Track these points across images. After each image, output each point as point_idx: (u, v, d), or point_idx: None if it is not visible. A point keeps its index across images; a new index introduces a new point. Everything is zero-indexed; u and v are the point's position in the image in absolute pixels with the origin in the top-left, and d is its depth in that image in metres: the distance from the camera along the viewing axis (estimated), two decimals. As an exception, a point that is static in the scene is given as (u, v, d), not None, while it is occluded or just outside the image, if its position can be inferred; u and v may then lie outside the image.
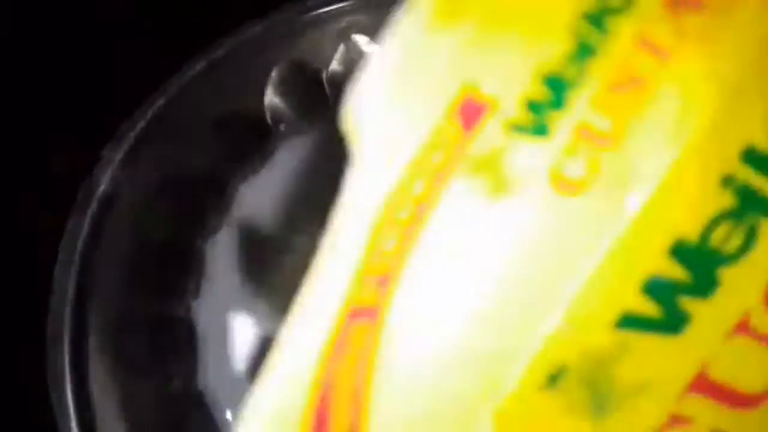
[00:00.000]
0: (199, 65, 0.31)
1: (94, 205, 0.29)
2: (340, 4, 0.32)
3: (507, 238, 0.16)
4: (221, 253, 0.33)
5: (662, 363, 0.15)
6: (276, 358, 0.18)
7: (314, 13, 0.32)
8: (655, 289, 0.15)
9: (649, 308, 0.15)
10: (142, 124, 0.30)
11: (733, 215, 0.16)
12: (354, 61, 0.35)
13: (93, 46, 0.43)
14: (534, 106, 0.17)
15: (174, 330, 0.32)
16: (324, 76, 0.35)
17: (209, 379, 0.32)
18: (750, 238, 0.16)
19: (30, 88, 0.42)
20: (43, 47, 0.43)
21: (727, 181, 0.16)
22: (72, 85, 0.42)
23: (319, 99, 0.35)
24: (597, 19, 0.17)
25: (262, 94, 0.34)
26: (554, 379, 0.15)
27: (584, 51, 0.17)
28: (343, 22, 0.33)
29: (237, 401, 0.32)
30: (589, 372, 0.15)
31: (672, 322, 0.15)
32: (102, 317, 0.29)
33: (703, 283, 0.15)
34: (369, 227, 0.17)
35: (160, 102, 0.31)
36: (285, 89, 0.34)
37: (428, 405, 0.16)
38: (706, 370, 0.15)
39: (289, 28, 0.32)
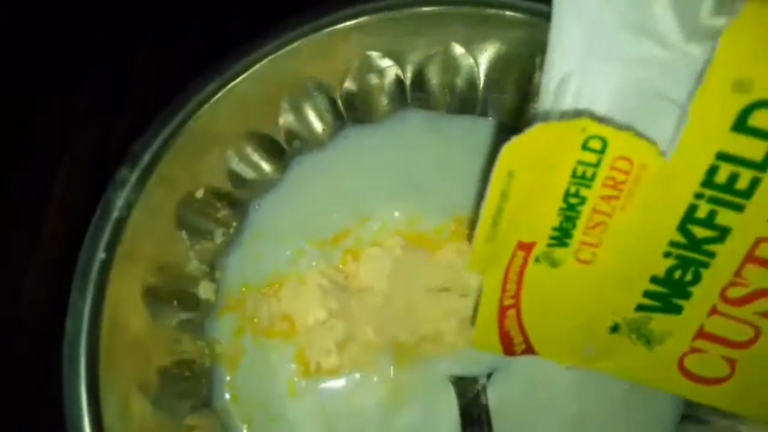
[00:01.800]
0: (212, 84, 0.31)
1: (109, 228, 0.28)
2: (353, 22, 0.31)
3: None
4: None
5: (674, 326, 0.27)
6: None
7: (325, 31, 0.31)
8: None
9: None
10: (156, 143, 0.30)
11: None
12: (368, 77, 0.35)
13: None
14: None
15: (189, 353, 0.32)
16: (338, 93, 0.34)
17: (224, 399, 0.32)
18: None
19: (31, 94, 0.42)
20: (49, 52, 0.43)
21: None
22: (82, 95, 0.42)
23: (334, 116, 0.35)
24: None
25: (276, 111, 0.34)
26: (614, 329, 0.28)
27: None
28: (355, 40, 0.32)
29: (251, 421, 0.32)
30: (631, 327, 0.28)
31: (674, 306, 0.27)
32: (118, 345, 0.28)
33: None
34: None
35: (174, 121, 0.30)
36: (298, 107, 0.34)
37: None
38: (704, 329, 0.27)
39: (300, 46, 0.31)
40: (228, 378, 0.32)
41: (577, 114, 0.24)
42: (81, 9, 0.43)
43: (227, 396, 0.32)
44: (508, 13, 0.31)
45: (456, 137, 0.35)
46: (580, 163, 0.24)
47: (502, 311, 0.29)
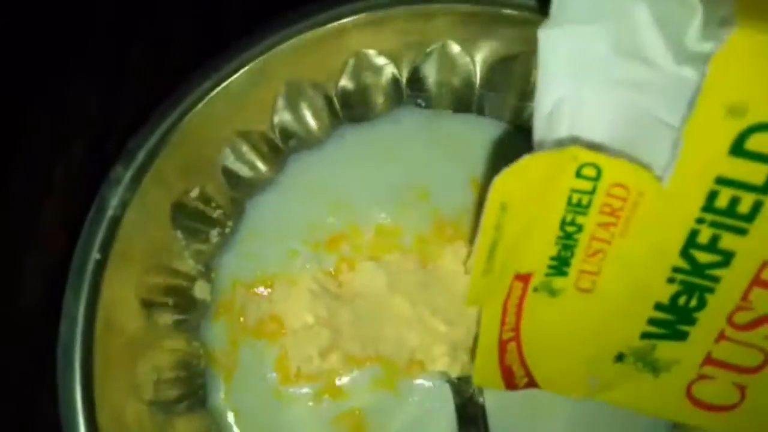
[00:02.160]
0: (207, 82, 0.31)
1: (103, 227, 0.28)
2: (347, 20, 0.31)
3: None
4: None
5: (680, 353, 0.26)
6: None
7: (321, 28, 0.31)
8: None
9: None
10: (151, 141, 0.30)
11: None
12: (364, 76, 0.34)
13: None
14: None
15: (185, 354, 0.32)
16: (334, 91, 0.34)
17: (219, 400, 0.32)
18: None
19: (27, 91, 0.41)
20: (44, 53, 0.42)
21: None
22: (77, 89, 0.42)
23: (330, 114, 0.35)
24: None
25: (271, 110, 0.33)
26: (618, 358, 0.28)
27: None
28: (351, 38, 0.32)
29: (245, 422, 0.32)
30: (636, 356, 0.27)
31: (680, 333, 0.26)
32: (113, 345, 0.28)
33: None
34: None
35: (169, 120, 0.30)
36: (294, 105, 0.34)
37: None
38: (711, 356, 0.26)
39: (296, 44, 0.31)
40: (222, 378, 0.32)
41: (573, 140, 0.24)
42: (78, 6, 0.43)
43: (222, 396, 0.32)
44: (504, 10, 0.31)
45: (453, 136, 0.35)
46: (575, 191, 0.23)
47: (502, 345, 0.28)
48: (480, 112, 0.36)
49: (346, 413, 0.32)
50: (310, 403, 0.32)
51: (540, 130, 0.25)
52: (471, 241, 0.31)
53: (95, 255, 0.28)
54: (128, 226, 0.29)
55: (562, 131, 0.24)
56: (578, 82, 0.24)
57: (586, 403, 0.32)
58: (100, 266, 0.28)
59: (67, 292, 0.27)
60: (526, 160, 0.22)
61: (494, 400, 0.31)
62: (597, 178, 0.23)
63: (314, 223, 0.33)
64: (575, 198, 0.23)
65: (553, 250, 0.25)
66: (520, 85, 0.34)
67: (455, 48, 0.34)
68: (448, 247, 0.33)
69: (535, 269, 0.26)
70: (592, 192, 0.23)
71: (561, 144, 0.24)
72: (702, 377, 0.27)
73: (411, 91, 0.35)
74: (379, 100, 0.35)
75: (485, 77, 0.34)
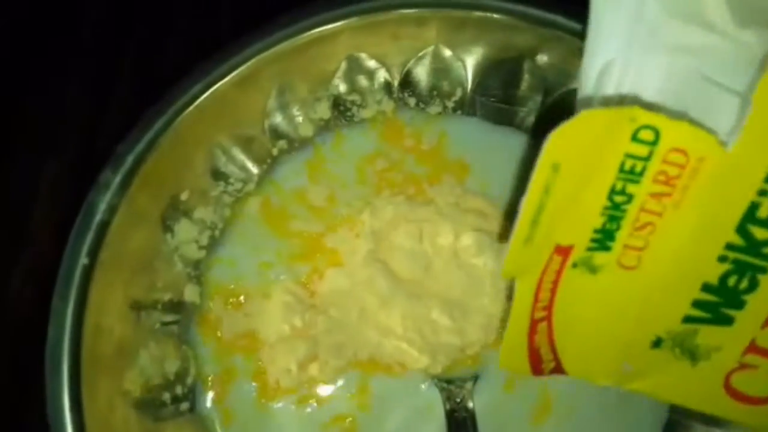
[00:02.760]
0: (197, 86, 0.30)
1: (92, 232, 0.28)
2: (341, 23, 0.31)
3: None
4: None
5: (723, 339, 0.25)
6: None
7: (313, 32, 0.31)
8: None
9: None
10: (140, 146, 0.29)
11: None
12: (356, 79, 0.34)
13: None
14: None
15: (173, 358, 0.32)
16: (325, 94, 0.34)
17: (207, 405, 0.32)
18: None
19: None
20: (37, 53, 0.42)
21: None
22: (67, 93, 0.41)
23: (320, 117, 0.35)
24: None
25: (262, 112, 0.33)
26: (656, 344, 0.26)
27: None
28: (343, 42, 0.32)
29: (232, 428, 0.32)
30: (676, 341, 0.25)
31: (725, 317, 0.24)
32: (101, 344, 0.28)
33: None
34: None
35: (158, 123, 0.30)
36: (285, 108, 0.34)
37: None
38: (755, 343, 0.24)
39: (288, 47, 0.31)
40: (210, 384, 0.32)
41: (622, 103, 0.22)
42: (69, 7, 0.42)
43: (209, 402, 0.32)
44: (494, 15, 0.31)
45: (444, 138, 0.35)
46: (629, 156, 0.21)
47: (533, 325, 0.26)
48: (472, 114, 0.36)
49: (332, 422, 0.32)
50: (295, 413, 0.32)
51: (587, 88, 0.23)
52: (510, 213, 0.29)
53: (83, 260, 0.28)
54: (117, 230, 0.29)
55: (610, 92, 0.23)
56: (629, 44, 0.22)
57: (576, 409, 0.32)
58: (88, 271, 0.28)
59: (54, 296, 0.27)
60: (582, 116, 0.20)
61: (483, 405, 0.31)
62: (654, 143, 0.21)
63: (293, 229, 0.33)
64: (628, 164, 0.21)
65: (598, 222, 0.23)
66: (511, 89, 0.34)
67: (447, 52, 0.34)
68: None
69: (576, 242, 0.24)
70: (648, 158, 0.21)
71: (609, 103, 0.23)
72: (743, 366, 0.25)
73: (403, 94, 0.35)
74: (370, 103, 0.35)
75: (476, 81, 0.34)
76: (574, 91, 0.33)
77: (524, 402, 0.32)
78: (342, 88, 0.34)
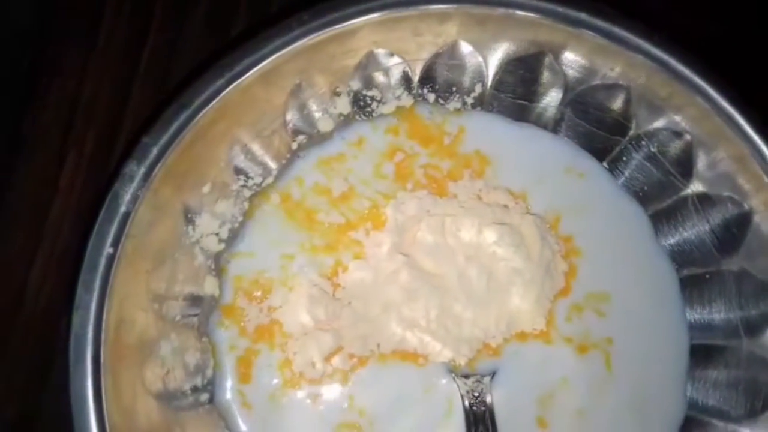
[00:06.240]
0: (220, 80, 0.31)
1: (116, 222, 0.28)
2: (361, 19, 0.31)
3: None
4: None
5: None
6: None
7: (334, 28, 0.31)
8: None
9: None
10: (164, 139, 0.30)
11: None
12: (375, 75, 0.34)
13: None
14: None
15: (193, 349, 0.32)
16: (345, 90, 0.34)
17: (227, 396, 0.32)
18: None
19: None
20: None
21: None
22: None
23: (339, 112, 0.35)
24: None
25: (282, 108, 0.34)
26: None
27: None
28: (363, 38, 0.32)
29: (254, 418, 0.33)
30: None
31: None
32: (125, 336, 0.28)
33: None
34: None
35: (182, 117, 0.30)
36: (304, 103, 0.34)
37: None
38: None
39: (309, 42, 0.31)
40: (230, 376, 0.32)
41: None
42: (89, 5, 0.43)
43: (229, 393, 0.32)
44: (517, 12, 0.31)
45: (463, 133, 0.35)
46: None
47: None
48: (491, 110, 0.36)
49: (351, 414, 0.32)
50: (317, 404, 0.32)
51: None
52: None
53: (108, 249, 0.28)
54: (140, 221, 0.29)
55: None
56: None
57: (593, 403, 0.32)
58: (113, 260, 0.28)
59: (79, 286, 0.27)
60: None
61: (501, 400, 0.32)
62: None
63: (316, 222, 0.34)
64: None
65: None
66: (532, 85, 0.34)
67: (467, 48, 0.34)
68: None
69: None
70: None
71: None
72: None
73: (422, 89, 0.35)
74: (390, 98, 0.35)
75: (496, 77, 0.34)
76: (594, 88, 0.33)
77: (542, 399, 0.32)
78: (362, 83, 0.35)
